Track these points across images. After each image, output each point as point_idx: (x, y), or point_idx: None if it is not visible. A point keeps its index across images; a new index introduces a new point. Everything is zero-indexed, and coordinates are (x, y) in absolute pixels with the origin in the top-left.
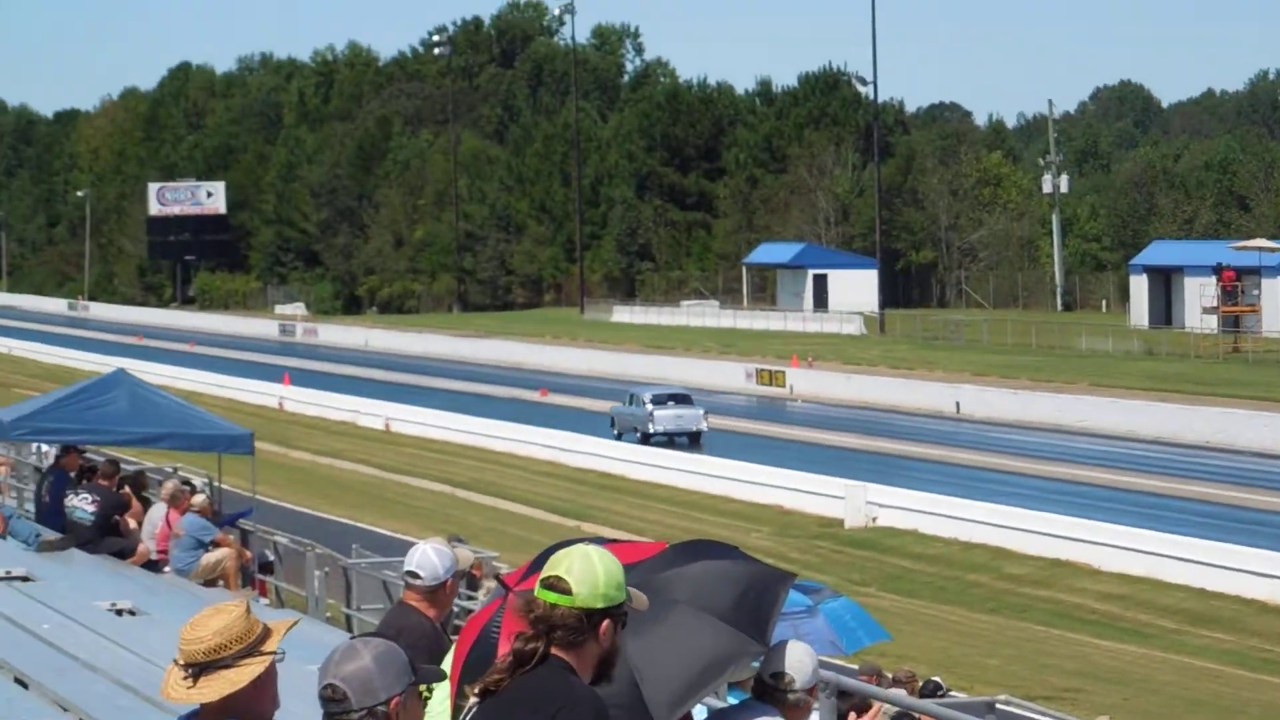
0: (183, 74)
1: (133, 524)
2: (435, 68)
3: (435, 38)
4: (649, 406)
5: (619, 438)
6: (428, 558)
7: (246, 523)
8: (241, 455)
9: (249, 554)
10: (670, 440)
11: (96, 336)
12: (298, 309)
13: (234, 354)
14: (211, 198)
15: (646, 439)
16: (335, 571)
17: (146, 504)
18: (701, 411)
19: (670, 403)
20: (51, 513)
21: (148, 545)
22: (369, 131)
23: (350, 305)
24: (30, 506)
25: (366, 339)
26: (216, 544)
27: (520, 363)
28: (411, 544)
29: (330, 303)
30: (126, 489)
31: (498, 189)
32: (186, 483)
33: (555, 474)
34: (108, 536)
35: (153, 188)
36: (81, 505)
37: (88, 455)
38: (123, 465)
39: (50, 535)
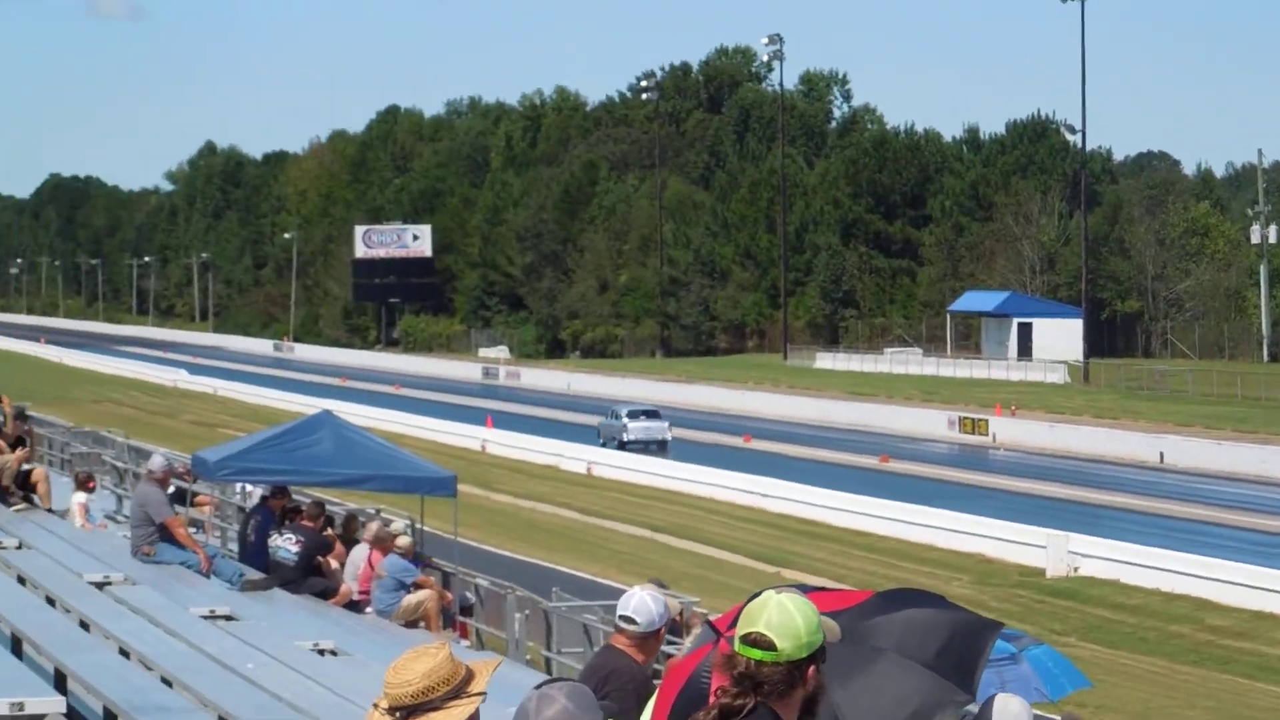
0: (391, 117)
1: (335, 565)
2: (642, 112)
3: (643, 83)
4: (624, 420)
5: (603, 445)
6: (644, 604)
7: (446, 564)
8: (444, 498)
9: (450, 596)
10: (646, 448)
11: (301, 378)
12: (501, 352)
13: (437, 396)
14: (417, 240)
15: (622, 445)
16: (536, 614)
17: (350, 545)
18: (667, 424)
19: (642, 416)
20: (256, 552)
21: (350, 586)
22: (575, 176)
23: (553, 349)
24: (234, 546)
25: (569, 383)
26: (418, 585)
27: (723, 408)
28: (610, 587)
29: (534, 346)
30: (330, 530)
31: (703, 234)
32: (389, 524)
33: (755, 519)
34: (310, 577)
35: (359, 230)
36: (285, 545)
37: (293, 496)
38: (328, 507)
39: (254, 575)
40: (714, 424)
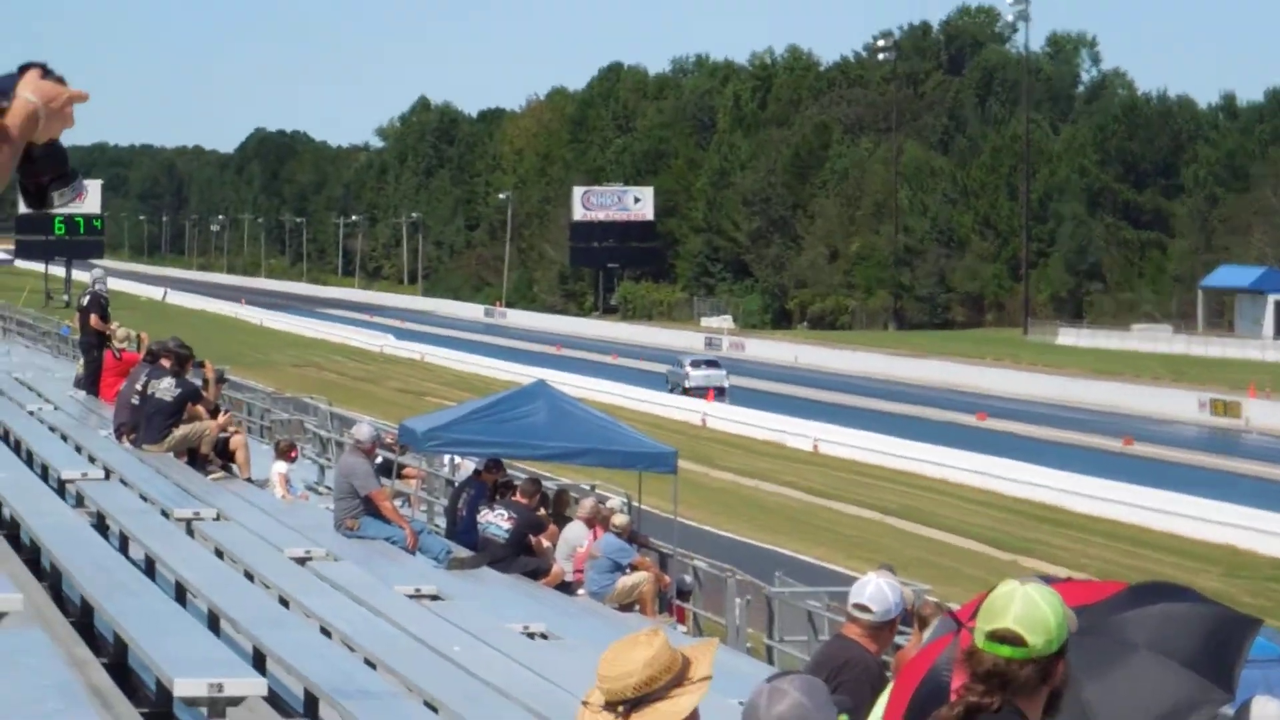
0: (613, 74)
1: (546, 544)
2: (879, 73)
3: (880, 42)
4: (687, 368)
5: (670, 391)
6: (881, 592)
7: (663, 544)
8: (663, 474)
9: (667, 579)
10: (703, 394)
11: (513, 345)
12: (724, 322)
13: (657, 367)
14: (639, 203)
15: (685, 391)
16: (757, 600)
17: (562, 522)
18: (724, 373)
19: (704, 365)
20: (465, 529)
21: (562, 566)
22: (806, 138)
23: (779, 319)
24: (441, 521)
25: (796, 355)
26: (634, 567)
27: (957, 384)
28: (837, 573)
29: (759, 316)
30: (543, 509)
31: (940, 201)
32: (605, 501)
33: (991, 503)
34: (521, 555)
35: (577, 191)
36: (496, 522)
37: (505, 470)
38: (543, 483)
39: (462, 552)
40: (948, 401)
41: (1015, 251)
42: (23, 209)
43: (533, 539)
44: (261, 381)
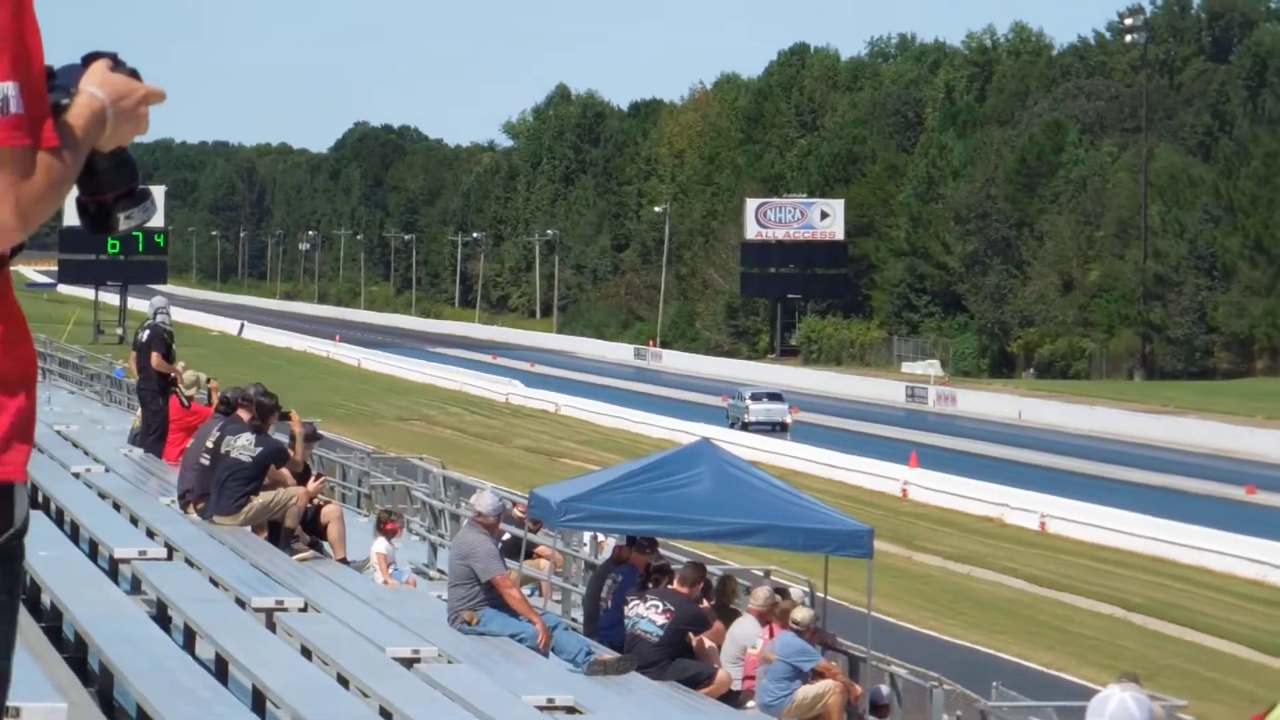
0: (798, 58)
1: (710, 644)
2: (1125, 60)
3: (1127, 21)
4: (747, 401)
5: (731, 427)
6: (1126, 710)
7: (855, 646)
8: (855, 558)
9: (858, 689)
10: (772, 429)
11: (670, 394)
12: (931, 368)
13: (846, 424)
14: (826, 220)
15: (745, 426)
16: (969, 715)
17: (730, 617)
18: (787, 407)
19: (765, 399)
20: (610, 623)
21: (729, 671)
22: (1035, 140)
23: (1000, 365)
24: (579, 614)
25: (1020, 410)
26: (818, 674)
27: (1223, 449)
28: (1067, 682)
29: (974, 361)
30: (705, 601)
31: (1200, 220)
32: (782, 591)
33: (1261, 597)
34: (679, 658)
35: (751, 204)
36: (648, 615)
37: (660, 551)
38: (707, 568)
39: (606, 653)
40: (1209, 470)
41: None
42: (69, 220)
43: (693, 637)
44: (360, 438)
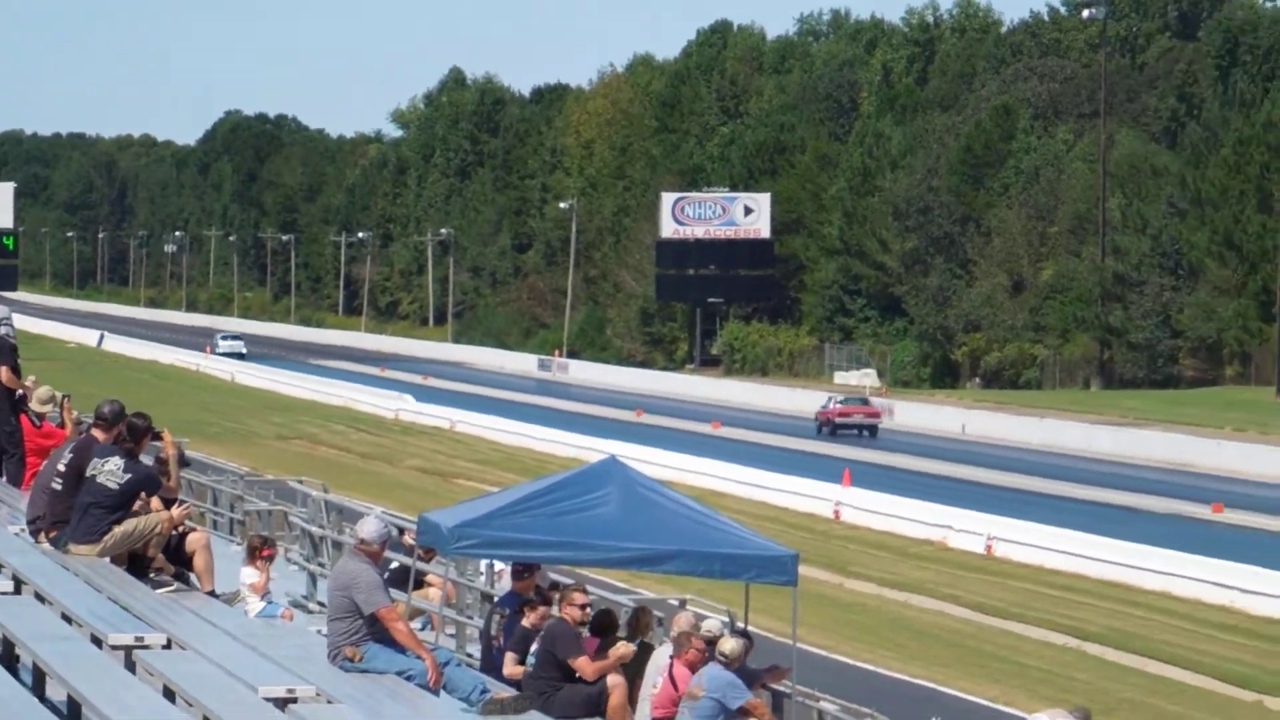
0: (719, 38)
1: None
2: (1082, 38)
3: None
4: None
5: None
6: None
7: (785, 684)
8: (780, 585)
9: None
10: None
11: (577, 409)
12: (867, 378)
13: (771, 439)
14: (751, 216)
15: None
16: None
17: (646, 651)
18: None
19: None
20: (503, 659)
21: (638, 708)
22: (982, 126)
23: (942, 374)
24: (474, 649)
25: (964, 423)
26: (746, 711)
27: (1188, 464)
28: (1014, 717)
29: (914, 370)
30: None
31: (1165, 214)
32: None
33: (1229, 625)
34: (566, 683)
35: (667, 199)
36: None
37: (553, 577)
38: (612, 598)
39: (502, 691)
40: (1173, 487)
41: (1267, 282)
42: None
43: (572, 662)
44: (234, 459)
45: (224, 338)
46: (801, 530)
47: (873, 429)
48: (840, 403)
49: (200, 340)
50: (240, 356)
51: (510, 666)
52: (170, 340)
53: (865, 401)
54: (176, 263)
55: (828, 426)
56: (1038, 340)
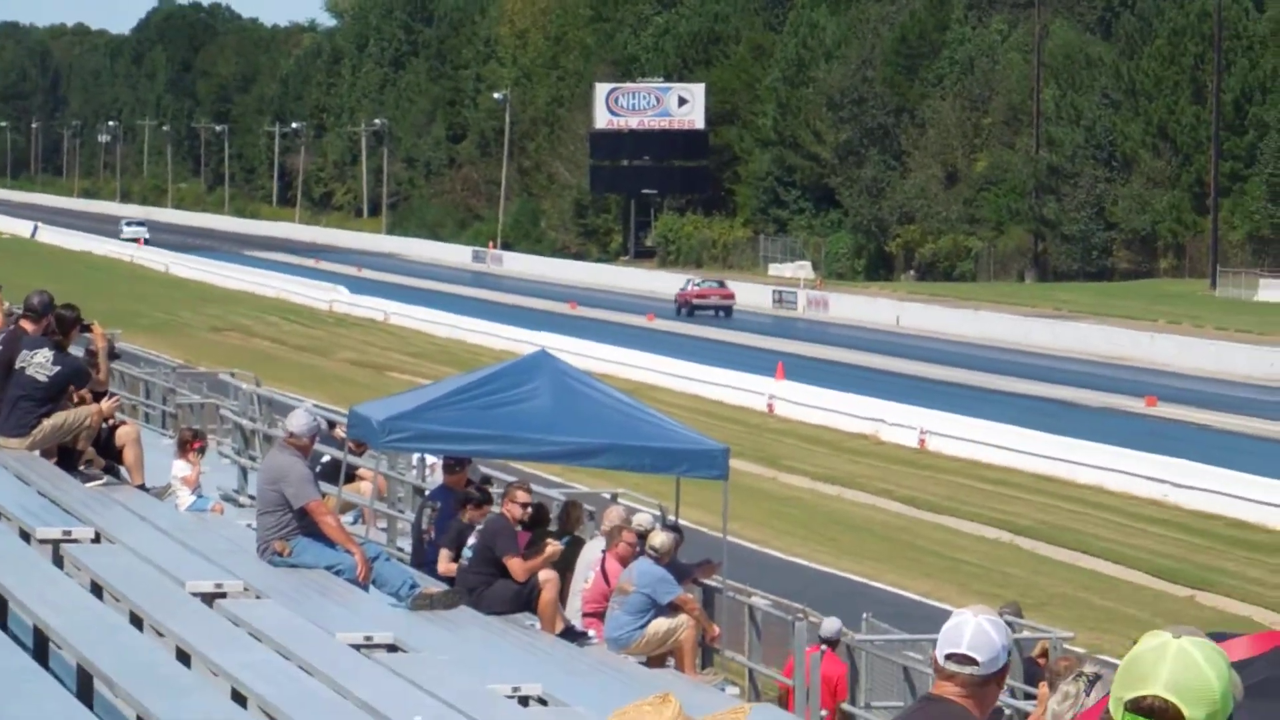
0: None
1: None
2: None
3: None
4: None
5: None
6: (985, 635)
7: (715, 579)
8: (710, 479)
9: (716, 629)
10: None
11: (510, 301)
12: (801, 270)
13: (705, 332)
14: (685, 107)
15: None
16: (836, 650)
17: (578, 545)
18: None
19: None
20: (435, 553)
21: (572, 601)
22: (916, 16)
23: (877, 266)
24: (404, 544)
25: (899, 315)
26: (676, 606)
27: (1122, 357)
28: (947, 613)
29: (849, 262)
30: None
31: (1098, 104)
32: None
33: (1161, 519)
34: (498, 579)
35: (601, 90)
36: (469, 541)
37: (485, 471)
38: (537, 489)
39: (432, 586)
40: (1106, 381)
41: (1201, 174)
42: None
43: (505, 560)
44: (167, 351)
45: (128, 224)
46: (735, 424)
47: (728, 310)
48: (697, 284)
49: (136, 230)
50: (147, 242)
51: (445, 564)
52: (104, 231)
53: (721, 284)
54: (110, 153)
55: (686, 308)
56: (972, 232)
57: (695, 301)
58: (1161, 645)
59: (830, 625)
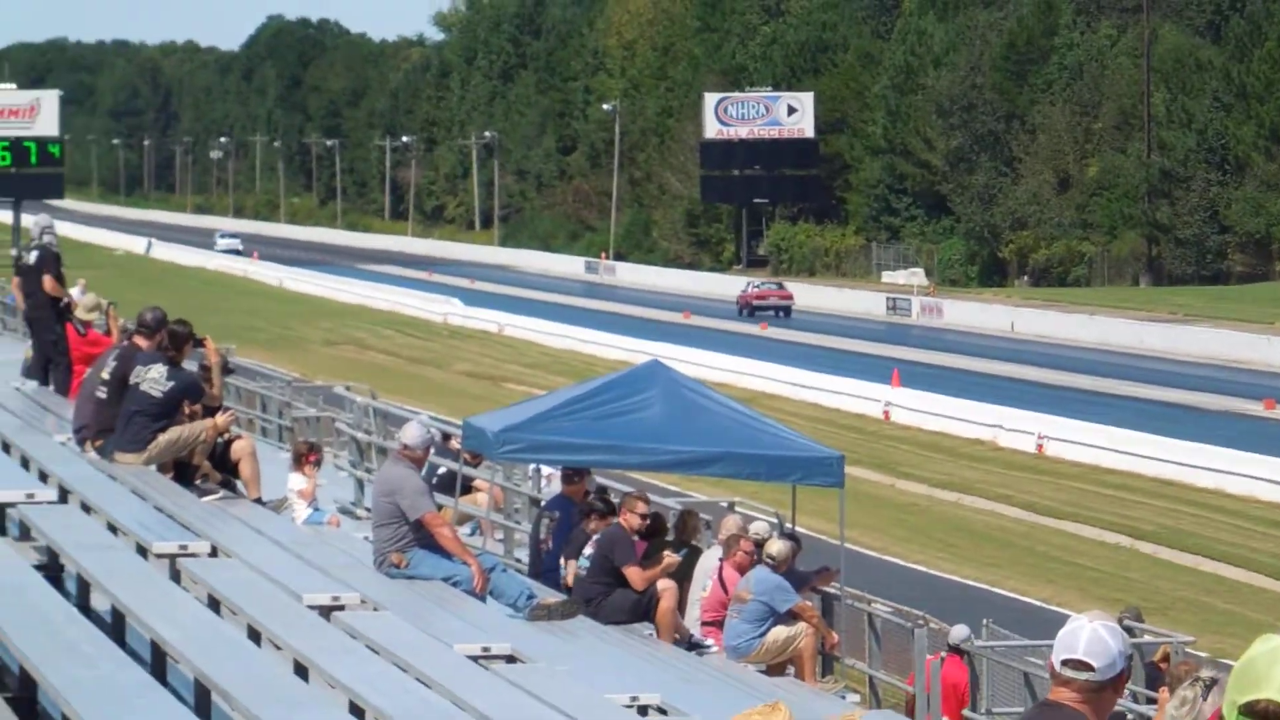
0: None
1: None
2: None
3: None
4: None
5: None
6: (1100, 641)
7: (834, 586)
8: (827, 487)
9: (835, 636)
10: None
11: (623, 311)
12: (915, 276)
13: (821, 339)
14: (794, 115)
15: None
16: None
17: (695, 554)
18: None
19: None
20: (553, 565)
21: (687, 612)
22: (1024, 22)
23: (990, 272)
24: (521, 554)
25: (1013, 321)
26: (794, 614)
27: (1239, 360)
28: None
29: (962, 268)
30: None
31: (1210, 108)
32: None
33: None
34: (617, 588)
35: (710, 100)
36: (585, 551)
37: (600, 481)
38: (651, 498)
39: (549, 596)
40: (1224, 384)
41: None
42: None
43: (624, 570)
44: (282, 365)
45: (222, 235)
46: (851, 431)
47: (787, 310)
48: (757, 286)
49: (245, 246)
50: (237, 253)
51: (573, 574)
52: (214, 246)
53: (780, 285)
54: (222, 169)
55: (746, 309)
56: (1085, 237)
57: (755, 302)
58: (1274, 649)
59: (959, 633)
